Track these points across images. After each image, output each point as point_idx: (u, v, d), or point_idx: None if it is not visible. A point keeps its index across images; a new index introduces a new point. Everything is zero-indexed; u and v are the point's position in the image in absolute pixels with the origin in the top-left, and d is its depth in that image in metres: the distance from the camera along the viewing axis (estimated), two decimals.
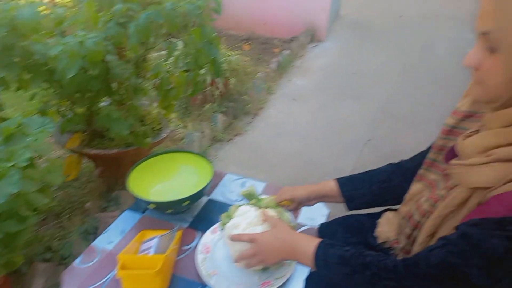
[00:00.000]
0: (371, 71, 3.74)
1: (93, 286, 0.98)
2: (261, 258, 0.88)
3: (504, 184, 0.59)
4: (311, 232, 1.16)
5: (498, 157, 0.61)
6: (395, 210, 1.02)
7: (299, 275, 1.01)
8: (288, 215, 1.02)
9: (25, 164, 1.05)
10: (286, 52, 3.78)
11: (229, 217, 1.00)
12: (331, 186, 1.05)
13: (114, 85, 1.50)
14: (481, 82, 0.63)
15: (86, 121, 1.54)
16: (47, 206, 1.36)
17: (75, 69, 1.07)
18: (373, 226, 1.04)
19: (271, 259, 0.87)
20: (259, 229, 0.94)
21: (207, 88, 2.59)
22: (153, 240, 1.07)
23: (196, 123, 2.64)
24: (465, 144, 0.70)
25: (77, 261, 1.06)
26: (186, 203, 1.14)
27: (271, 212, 0.99)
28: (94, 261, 1.06)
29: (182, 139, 2.48)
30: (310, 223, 1.20)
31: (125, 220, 1.20)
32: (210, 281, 0.98)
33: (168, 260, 0.97)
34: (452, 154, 0.79)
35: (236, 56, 2.74)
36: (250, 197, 1.05)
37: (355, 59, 3.98)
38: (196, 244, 1.10)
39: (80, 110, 1.46)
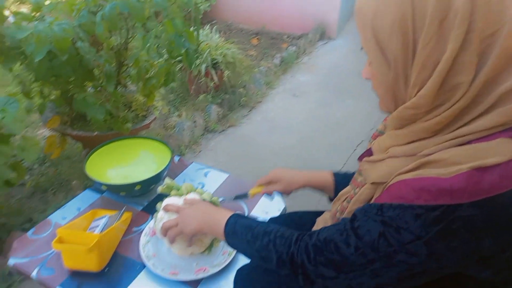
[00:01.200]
0: None
1: (39, 256, 1.04)
2: (180, 227, 0.91)
3: (393, 177, 0.62)
4: None
5: (391, 154, 0.64)
6: None
7: (236, 266, 1.04)
8: (208, 193, 1.05)
9: None
10: (292, 48, 3.77)
11: (157, 212, 1.04)
12: (327, 178, 1.05)
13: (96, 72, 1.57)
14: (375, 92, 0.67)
15: (68, 104, 1.61)
16: (17, 181, 1.44)
17: (42, 53, 1.14)
18: (313, 223, 1.06)
19: (189, 228, 0.90)
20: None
21: (202, 79, 2.63)
22: (102, 219, 1.13)
23: (190, 113, 2.69)
24: (374, 144, 0.73)
25: (30, 232, 1.13)
26: (138, 187, 1.18)
27: (192, 195, 1.03)
28: (45, 233, 1.12)
29: (174, 127, 2.54)
30: (263, 216, 1.22)
31: (83, 199, 1.26)
32: (149, 262, 1.02)
33: (108, 239, 1.02)
34: (369, 154, 0.81)
35: (232, 50, 2.76)
36: (169, 190, 1.07)
37: (363, 59, 3.92)
38: (143, 229, 1.15)
39: (57, 93, 1.53)
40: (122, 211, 1.13)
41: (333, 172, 1.06)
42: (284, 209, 1.27)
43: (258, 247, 0.77)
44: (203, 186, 1.34)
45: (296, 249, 0.71)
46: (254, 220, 0.84)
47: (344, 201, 0.84)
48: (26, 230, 1.68)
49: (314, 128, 2.85)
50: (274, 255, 0.74)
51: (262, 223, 0.82)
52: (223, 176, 1.40)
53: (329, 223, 0.97)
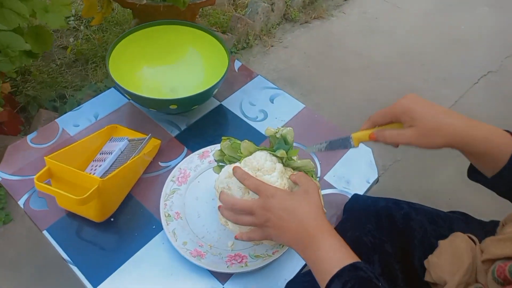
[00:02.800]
0: None
1: (32, 177, 0.73)
2: (264, 233, 0.56)
3: None
4: (335, 198, 0.80)
5: None
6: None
7: (282, 271, 0.71)
8: (282, 151, 0.62)
9: None
10: None
11: (237, 151, 0.65)
12: (502, 135, 0.53)
13: None
14: None
15: None
16: (41, 50, 1.13)
17: None
18: (409, 229, 0.66)
19: (278, 239, 0.56)
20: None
21: None
22: (119, 142, 0.80)
23: None
24: None
25: (30, 137, 0.85)
26: (174, 107, 0.81)
27: (261, 157, 0.62)
28: (48, 143, 0.84)
29: (246, 6, 2.02)
30: (342, 186, 0.82)
31: (105, 101, 0.92)
32: (168, 226, 0.71)
33: (115, 182, 0.70)
34: None
35: None
36: (275, 141, 0.65)
37: None
38: (175, 166, 0.81)
39: None
40: (147, 139, 0.79)
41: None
42: (376, 181, 0.86)
43: None
44: (264, 117, 0.93)
45: None
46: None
47: None
48: (55, 109, 1.46)
49: (425, 42, 2.16)
50: None
51: None
52: (297, 106, 0.97)
53: (464, 258, 0.56)
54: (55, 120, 0.88)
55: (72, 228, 0.72)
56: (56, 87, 1.51)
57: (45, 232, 0.71)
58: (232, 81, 1.01)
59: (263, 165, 0.61)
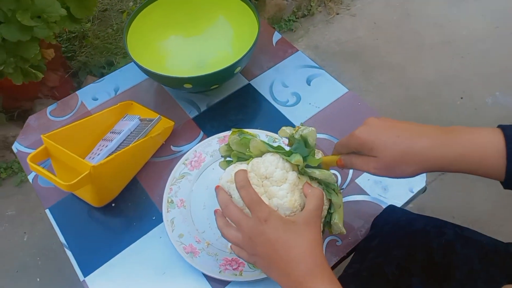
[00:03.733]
0: None
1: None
2: (247, 256, 0.47)
3: None
4: (366, 207, 0.66)
5: None
6: None
7: None
8: (298, 157, 0.49)
9: None
10: None
11: (246, 148, 0.54)
12: (490, 143, 0.42)
13: None
14: None
15: None
16: (83, 15, 1.11)
17: None
18: (449, 265, 0.50)
19: (259, 266, 0.46)
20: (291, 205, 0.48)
21: None
22: (131, 121, 0.74)
23: None
24: None
25: (50, 108, 0.83)
26: (188, 86, 0.72)
27: (272, 161, 0.50)
28: (65, 117, 0.81)
29: None
30: (377, 194, 0.68)
31: (125, 75, 0.86)
32: (166, 212, 0.65)
33: (115, 166, 0.64)
34: None
35: None
36: (293, 140, 0.53)
37: None
38: (187, 150, 0.74)
39: None
40: (155, 120, 0.72)
41: (501, 127, 0.42)
42: (423, 189, 0.69)
43: None
44: (296, 102, 0.80)
45: None
46: None
47: None
48: (103, 75, 1.47)
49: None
50: None
51: None
52: (338, 90, 0.82)
53: None
54: (76, 91, 0.85)
55: (73, 210, 0.69)
56: (107, 54, 1.52)
57: (47, 211, 0.69)
58: (267, 57, 0.88)
59: (272, 174, 0.49)
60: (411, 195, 0.68)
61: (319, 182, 0.52)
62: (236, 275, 0.59)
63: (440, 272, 0.51)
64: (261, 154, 0.53)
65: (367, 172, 0.49)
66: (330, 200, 0.52)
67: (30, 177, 0.73)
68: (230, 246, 0.49)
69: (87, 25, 1.65)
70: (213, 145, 0.73)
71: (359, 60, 1.64)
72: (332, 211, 0.52)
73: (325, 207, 0.51)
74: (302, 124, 0.52)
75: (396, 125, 0.47)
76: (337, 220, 0.51)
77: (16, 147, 0.77)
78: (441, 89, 1.53)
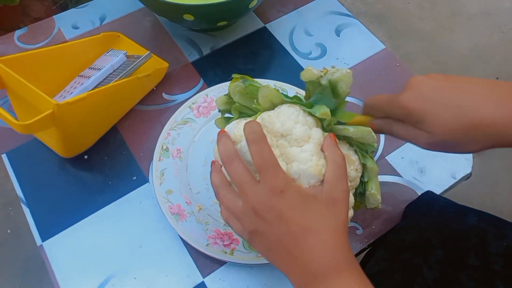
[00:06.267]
0: None
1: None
2: (253, 240, 0.34)
3: None
4: (397, 191, 0.53)
5: None
6: None
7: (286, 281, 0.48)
8: (325, 109, 0.37)
9: None
10: None
11: (253, 99, 0.41)
12: None
13: None
14: None
15: None
16: None
17: None
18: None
19: (267, 255, 0.34)
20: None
21: None
22: (116, 57, 0.60)
23: None
24: None
25: (18, 33, 0.67)
26: (189, 18, 0.57)
27: (289, 113, 0.37)
28: (36, 45, 0.66)
29: None
30: (412, 176, 0.55)
31: (115, 2, 0.71)
32: (157, 161, 0.53)
33: (88, 109, 0.51)
34: None
35: None
36: (315, 90, 0.39)
37: None
38: (183, 101, 0.60)
39: None
40: (144, 56, 0.57)
41: None
42: (467, 175, 0.56)
43: None
44: (321, 55, 0.65)
45: None
46: None
47: None
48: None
49: None
50: None
51: None
52: (373, 45, 0.67)
53: None
54: (53, 16, 0.69)
55: (36, 158, 0.56)
56: None
57: (3, 156, 0.56)
58: None
59: (290, 130, 0.36)
60: (453, 181, 0.55)
61: (350, 142, 0.39)
62: (225, 252, 0.47)
63: (499, 286, 0.38)
64: (273, 107, 0.39)
65: (413, 144, 0.37)
66: (363, 165, 0.39)
67: None
68: (221, 212, 0.36)
69: None
70: (214, 91, 0.59)
71: (385, 24, 1.47)
72: (366, 180, 0.40)
73: (357, 175, 0.38)
74: (333, 67, 0.38)
75: (454, 86, 0.34)
76: (375, 190, 0.39)
77: None
78: (474, 65, 1.36)
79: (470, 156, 0.56)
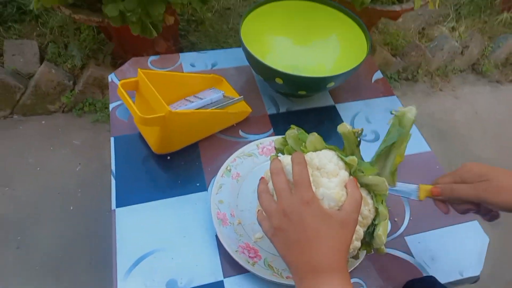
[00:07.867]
0: None
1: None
2: (276, 235, 0.44)
3: None
4: (406, 268, 0.60)
5: None
6: None
7: None
8: (353, 158, 0.49)
9: None
10: None
11: (302, 144, 0.54)
12: None
13: None
14: None
15: None
16: None
17: None
18: None
19: (282, 249, 0.44)
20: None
21: None
22: (216, 94, 0.78)
23: (472, 31, 1.81)
24: None
25: (151, 58, 0.89)
26: (279, 81, 0.73)
27: (329, 158, 0.49)
28: (162, 69, 0.87)
29: (432, 40, 1.78)
30: (422, 260, 0.62)
31: (227, 55, 0.91)
32: (220, 177, 0.67)
33: (186, 122, 0.67)
34: None
35: None
36: (349, 143, 0.53)
37: None
38: (253, 140, 0.75)
39: None
40: (237, 99, 0.74)
41: None
42: (474, 278, 0.62)
43: None
44: (374, 139, 0.78)
45: None
46: None
47: None
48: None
49: None
50: None
51: None
52: (420, 145, 0.78)
53: None
54: (179, 53, 0.91)
55: (133, 147, 0.73)
56: (215, 43, 1.62)
57: (112, 139, 0.73)
58: (361, 88, 0.87)
59: (324, 165, 0.48)
60: (459, 277, 0.61)
61: (368, 189, 0.49)
62: (248, 262, 0.57)
63: None
64: (315, 151, 0.52)
65: (469, 197, 0.50)
66: (376, 209, 0.49)
67: (111, 106, 0.79)
68: (257, 211, 0.48)
69: (208, 14, 1.79)
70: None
71: (445, 142, 1.56)
72: (376, 222, 0.49)
73: (370, 216, 0.48)
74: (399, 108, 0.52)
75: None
76: (381, 232, 0.48)
77: (111, 77, 0.84)
78: None
79: (482, 257, 0.62)
